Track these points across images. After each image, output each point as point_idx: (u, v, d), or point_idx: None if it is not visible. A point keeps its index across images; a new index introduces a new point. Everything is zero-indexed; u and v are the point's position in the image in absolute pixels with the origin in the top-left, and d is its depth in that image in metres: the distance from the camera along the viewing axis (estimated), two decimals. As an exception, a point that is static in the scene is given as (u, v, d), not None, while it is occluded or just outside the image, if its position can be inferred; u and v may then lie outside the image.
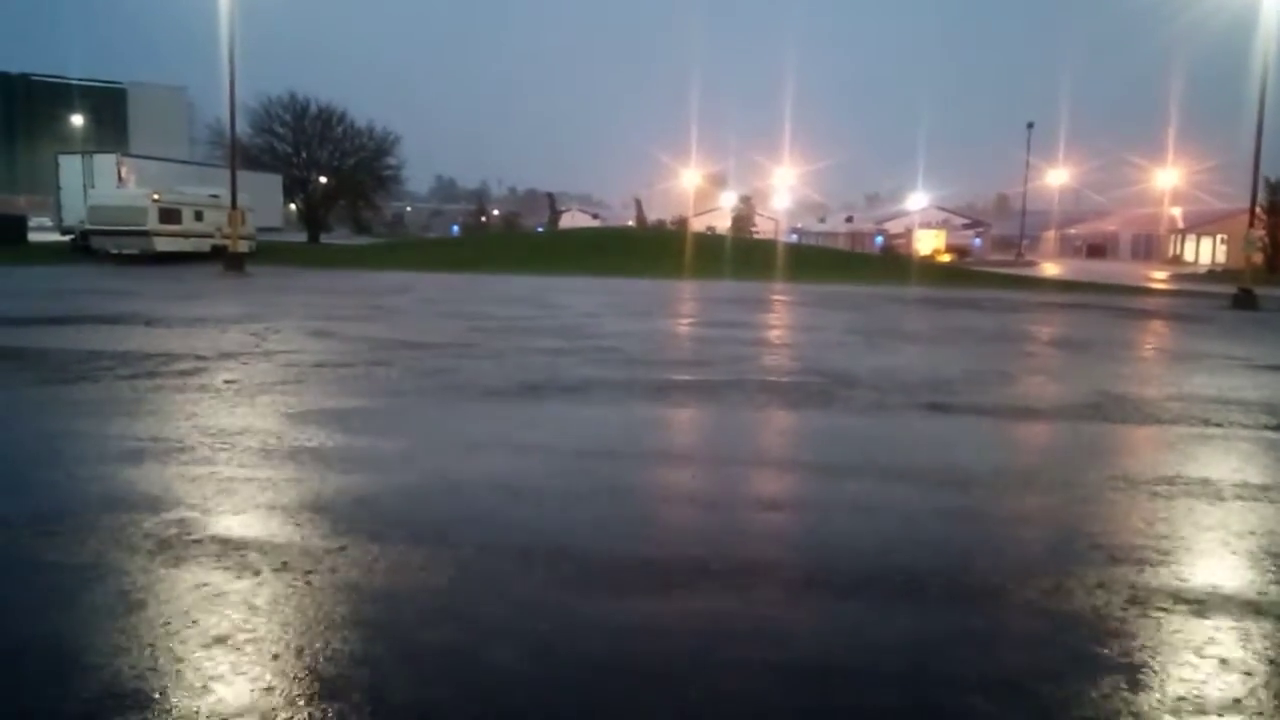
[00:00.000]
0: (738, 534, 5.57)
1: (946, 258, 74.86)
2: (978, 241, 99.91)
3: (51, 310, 18.10)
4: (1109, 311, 25.78)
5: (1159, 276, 53.39)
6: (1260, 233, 38.53)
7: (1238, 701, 3.55)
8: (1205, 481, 6.91)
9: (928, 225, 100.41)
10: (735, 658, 3.87)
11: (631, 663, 3.84)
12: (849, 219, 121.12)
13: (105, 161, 41.94)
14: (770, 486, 6.90)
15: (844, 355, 14.21)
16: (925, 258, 71.97)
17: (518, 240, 61.47)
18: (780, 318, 21.93)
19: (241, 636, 3.88)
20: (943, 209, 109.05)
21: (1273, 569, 5.04)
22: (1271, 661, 3.88)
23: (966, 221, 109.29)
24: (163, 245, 35.14)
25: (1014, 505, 6.40)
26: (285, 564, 4.74)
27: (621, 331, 16.97)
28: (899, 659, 3.89)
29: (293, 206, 65.79)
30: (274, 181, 54.41)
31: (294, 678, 3.55)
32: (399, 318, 18.76)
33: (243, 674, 3.56)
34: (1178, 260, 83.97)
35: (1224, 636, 4.13)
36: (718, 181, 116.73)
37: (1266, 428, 9.16)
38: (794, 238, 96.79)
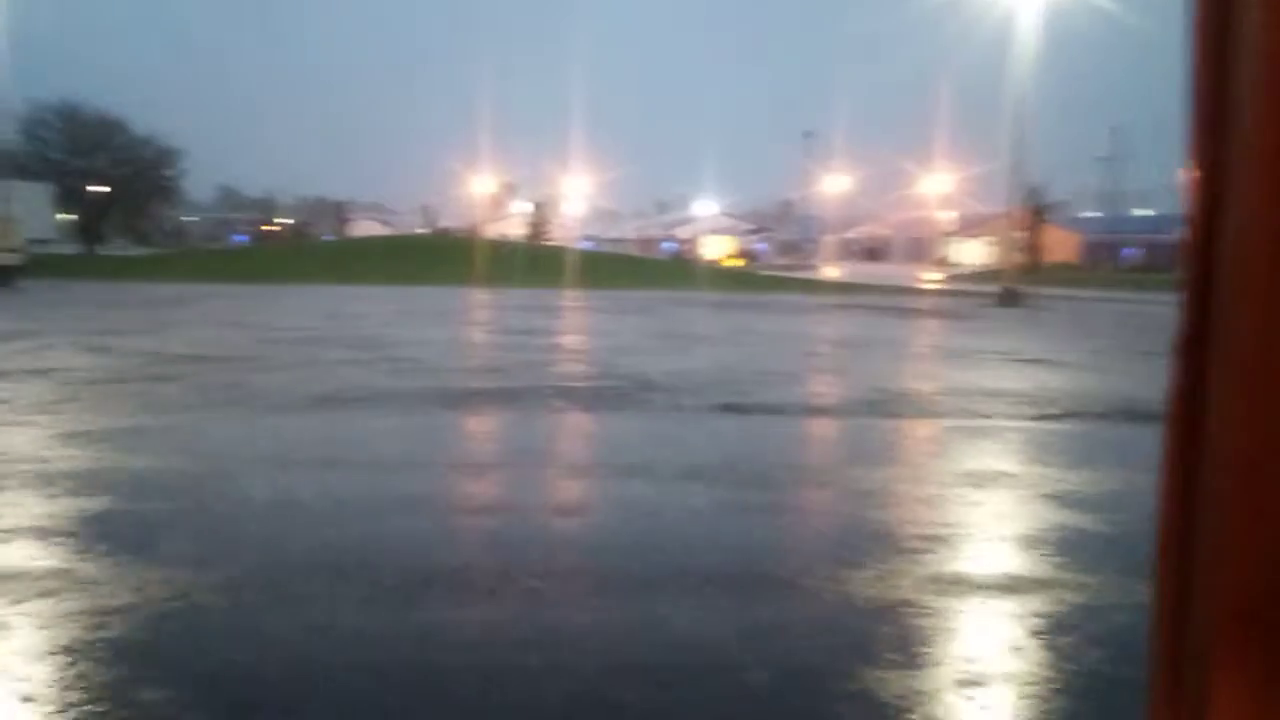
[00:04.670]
0: (534, 540, 5.56)
1: (735, 263, 77.16)
2: (763, 246, 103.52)
3: None
4: (886, 312, 27.29)
5: (932, 278, 56.89)
6: (1020, 234, 41.99)
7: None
8: (970, 472, 7.42)
9: (716, 232, 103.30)
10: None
11: (435, 671, 3.78)
12: (639, 227, 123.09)
13: None
14: (565, 492, 6.91)
15: (639, 360, 14.44)
16: (714, 263, 74.02)
17: (305, 249, 59.45)
18: (576, 323, 22.08)
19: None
20: (730, 215, 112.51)
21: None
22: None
23: (752, 228, 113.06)
24: None
25: (803, 500, 6.65)
26: (45, 591, 4.38)
27: (416, 340, 16.76)
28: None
29: (64, 217, 61.68)
30: (42, 190, 50.60)
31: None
32: (181, 331, 17.89)
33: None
34: (947, 262, 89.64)
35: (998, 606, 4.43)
36: (511, 189, 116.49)
37: (1029, 418, 9.91)
38: (588, 245, 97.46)
